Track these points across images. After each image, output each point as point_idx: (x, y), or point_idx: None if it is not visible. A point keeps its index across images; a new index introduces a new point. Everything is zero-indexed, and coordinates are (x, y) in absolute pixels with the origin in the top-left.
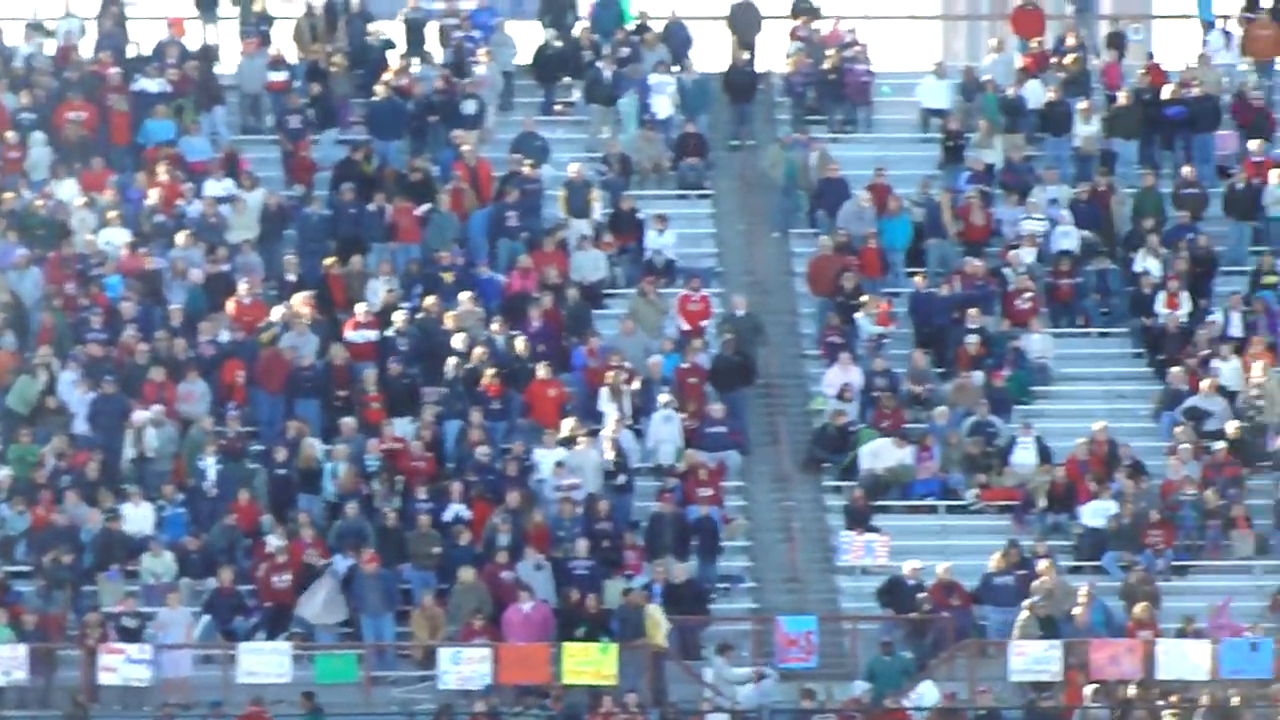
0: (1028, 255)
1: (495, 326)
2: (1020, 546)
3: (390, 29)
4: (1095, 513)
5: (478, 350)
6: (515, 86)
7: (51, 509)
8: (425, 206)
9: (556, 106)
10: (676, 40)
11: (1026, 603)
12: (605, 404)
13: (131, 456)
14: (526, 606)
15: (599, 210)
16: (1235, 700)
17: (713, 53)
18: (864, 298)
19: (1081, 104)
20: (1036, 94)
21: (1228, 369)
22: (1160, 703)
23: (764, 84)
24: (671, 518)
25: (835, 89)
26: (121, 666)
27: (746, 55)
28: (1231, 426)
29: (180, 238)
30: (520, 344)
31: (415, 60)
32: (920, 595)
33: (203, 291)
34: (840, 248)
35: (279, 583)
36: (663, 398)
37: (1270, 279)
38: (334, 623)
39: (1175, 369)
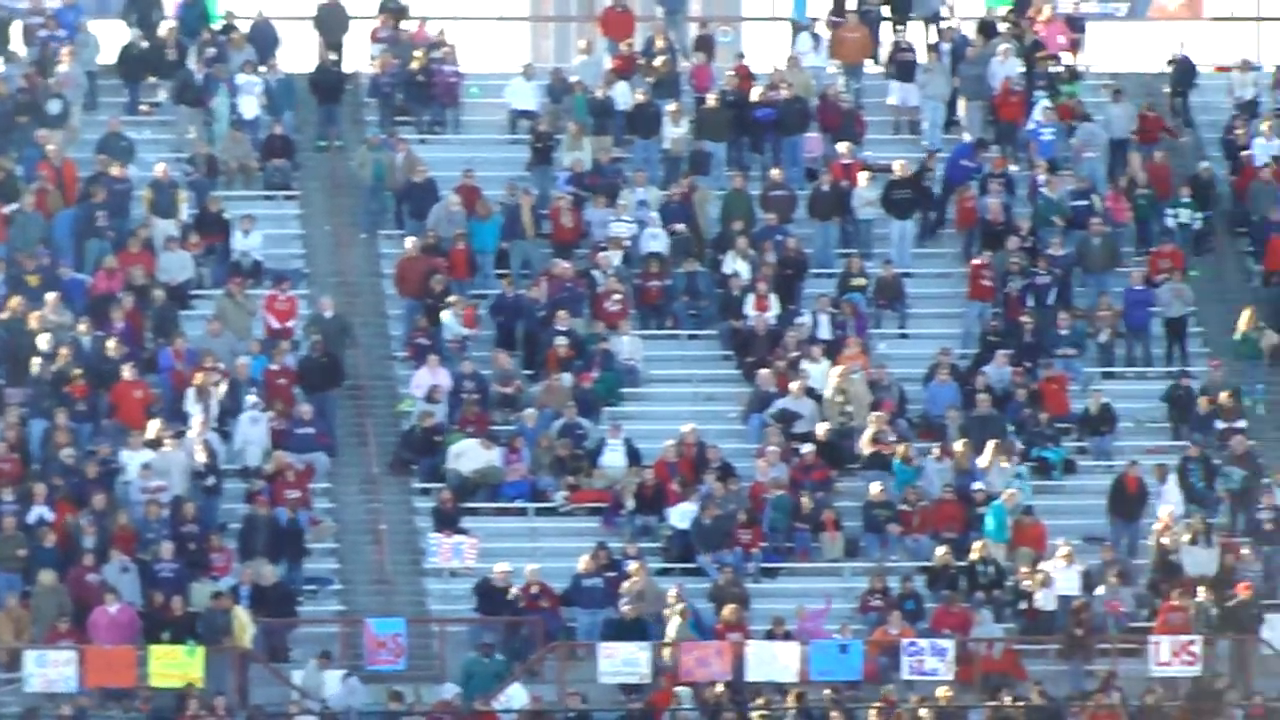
0: (616, 257)
1: (82, 327)
2: (609, 549)
3: None
4: (684, 514)
5: (63, 351)
6: (101, 86)
7: None
8: (11, 207)
9: (142, 106)
10: (263, 40)
11: (678, 608)
12: (191, 405)
13: None
14: (113, 609)
15: (185, 211)
16: (826, 694)
17: (299, 53)
18: (452, 299)
19: (670, 106)
20: (625, 96)
21: (816, 371)
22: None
23: (351, 84)
24: (264, 520)
25: (423, 90)
26: None
27: (333, 56)
28: (820, 429)
29: None
30: (112, 345)
31: None
32: (513, 597)
33: None
34: (428, 249)
35: None
36: (250, 399)
37: (859, 281)
38: None
39: (764, 371)
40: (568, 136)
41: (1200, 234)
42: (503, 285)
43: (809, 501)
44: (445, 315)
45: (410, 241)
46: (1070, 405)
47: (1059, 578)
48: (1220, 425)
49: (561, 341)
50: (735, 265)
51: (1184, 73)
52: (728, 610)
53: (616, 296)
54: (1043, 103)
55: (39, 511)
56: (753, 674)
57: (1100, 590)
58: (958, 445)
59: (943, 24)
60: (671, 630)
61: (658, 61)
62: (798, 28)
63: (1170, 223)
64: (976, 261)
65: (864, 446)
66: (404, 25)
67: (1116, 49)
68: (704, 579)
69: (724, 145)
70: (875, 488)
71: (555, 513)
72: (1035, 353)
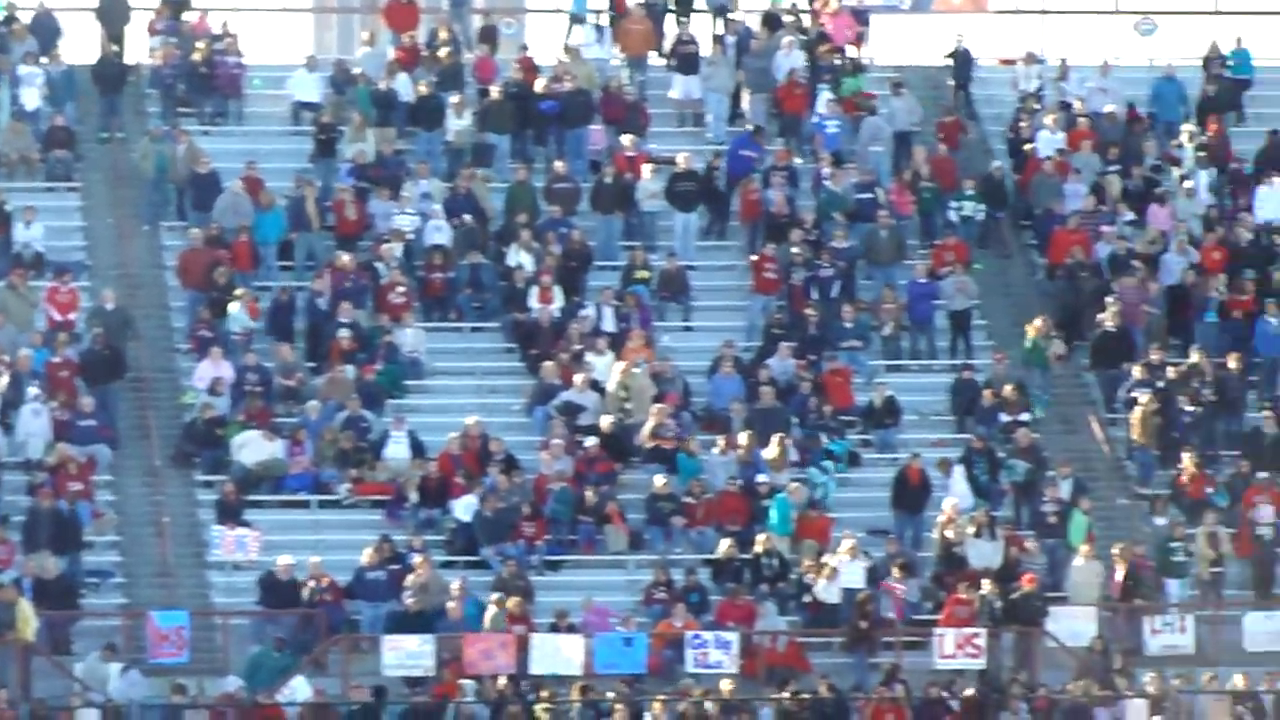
0: (399, 249)
1: None
2: (393, 541)
3: None
4: (467, 507)
5: None
6: None
7: None
8: None
9: None
10: (45, 31)
11: (494, 597)
12: None
13: None
14: None
15: None
16: (610, 695)
17: (81, 44)
18: (238, 291)
19: (454, 98)
20: (408, 88)
21: (600, 364)
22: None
23: (134, 76)
24: (47, 512)
25: (206, 81)
26: None
27: (115, 47)
28: (605, 421)
29: None
30: None
31: None
32: (302, 590)
33: None
34: (211, 241)
35: None
36: (32, 391)
37: (642, 274)
38: None
39: (548, 364)
40: (350, 128)
41: (984, 227)
42: (283, 283)
43: (593, 494)
44: (233, 307)
45: (194, 233)
46: (854, 398)
47: (843, 571)
48: (1004, 418)
49: (345, 334)
50: (519, 258)
51: (964, 64)
52: (511, 602)
53: (400, 289)
54: (825, 95)
55: None
56: (537, 667)
57: (888, 583)
58: (742, 438)
59: (729, 16)
60: (488, 620)
61: (441, 53)
62: (575, 20)
63: (953, 216)
64: (760, 254)
65: (647, 439)
66: (186, 16)
67: (901, 42)
68: (488, 572)
69: (508, 137)
70: (659, 480)
71: (339, 505)
72: (819, 345)
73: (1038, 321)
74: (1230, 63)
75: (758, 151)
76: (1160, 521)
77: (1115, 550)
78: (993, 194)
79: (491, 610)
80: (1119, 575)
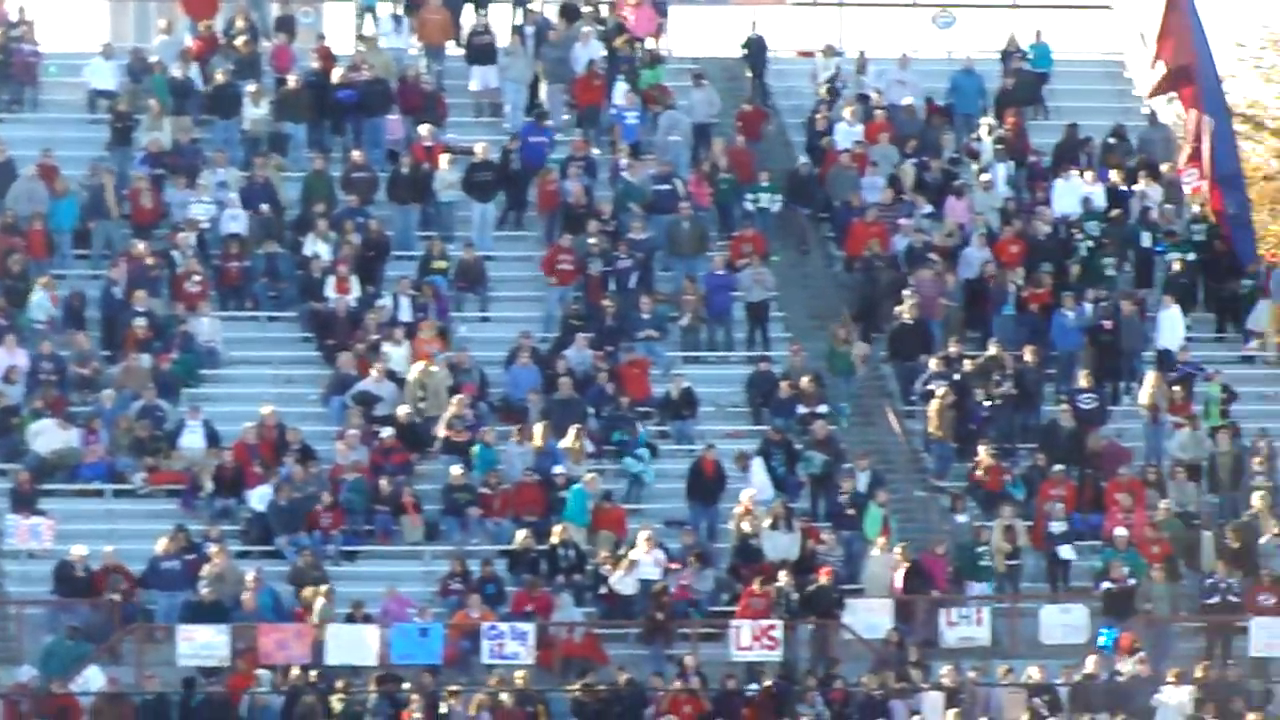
0: (195, 238)
1: None
2: (188, 531)
3: None
4: (263, 497)
5: None
6: None
7: None
8: None
9: None
10: None
11: (323, 589)
12: None
13: None
14: None
15: None
16: (405, 686)
17: None
18: (41, 280)
19: (251, 87)
20: (207, 76)
21: (397, 354)
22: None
23: None
24: None
25: (1, 68)
26: None
27: None
28: (401, 411)
29: None
30: None
31: None
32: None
33: None
34: (6, 229)
35: None
36: None
37: (440, 264)
38: None
39: (344, 354)
40: (147, 117)
41: (781, 219)
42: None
43: (388, 484)
44: (36, 295)
45: None
46: (651, 389)
47: (640, 562)
48: (801, 410)
49: (140, 323)
50: (316, 247)
51: (758, 52)
52: (307, 592)
53: (196, 278)
54: (622, 85)
55: None
56: (332, 657)
57: (681, 575)
58: (538, 429)
59: (527, 6)
60: (315, 612)
61: (239, 42)
62: (366, 9)
63: (750, 207)
64: (556, 245)
65: (444, 430)
66: None
67: (699, 33)
68: (283, 562)
69: (305, 126)
70: (455, 471)
71: (134, 494)
72: (616, 336)
73: (839, 327)
74: (1029, 56)
75: (547, 136)
76: (961, 519)
77: (897, 550)
78: (797, 190)
79: (320, 602)
80: (899, 576)
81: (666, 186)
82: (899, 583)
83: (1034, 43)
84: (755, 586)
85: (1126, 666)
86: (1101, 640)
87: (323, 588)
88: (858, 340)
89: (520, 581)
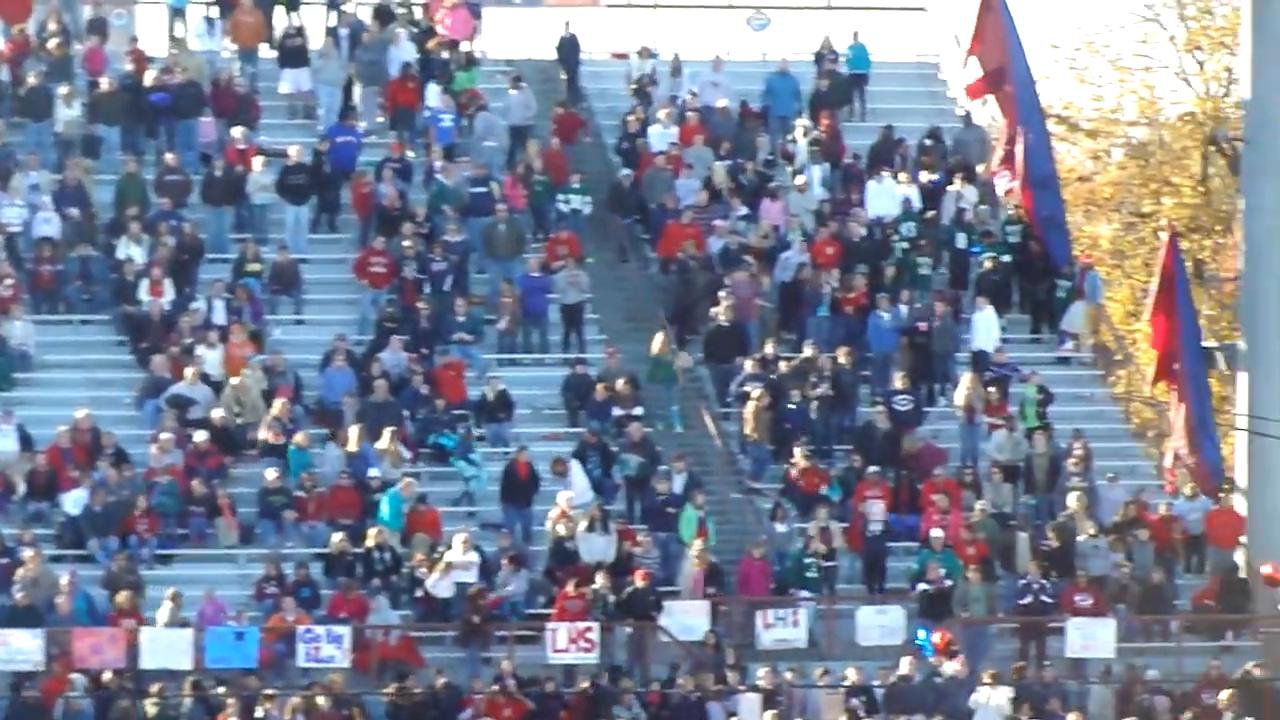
0: (6, 241)
1: None
2: (1, 534)
3: None
4: (77, 501)
5: None
6: None
7: None
8: None
9: None
10: None
11: (169, 592)
12: None
13: None
14: None
15: None
16: (220, 690)
17: None
18: None
19: (63, 89)
20: (19, 79)
21: (211, 357)
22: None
23: None
24: None
25: None
26: None
27: None
28: (216, 414)
29: None
30: None
31: None
32: None
33: None
34: None
35: None
36: None
37: (254, 267)
38: None
39: (158, 357)
40: None
41: (598, 222)
42: None
43: (202, 487)
44: None
45: None
46: (467, 392)
47: (456, 565)
48: (617, 412)
49: None
50: (129, 250)
51: (571, 52)
52: (122, 596)
53: (8, 281)
54: (435, 88)
55: None
56: (147, 661)
57: (499, 578)
58: (353, 431)
59: (341, 8)
60: (163, 615)
61: (51, 44)
62: (176, 13)
63: (563, 208)
64: (370, 247)
65: (259, 433)
66: None
67: (514, 35)
68: (98, 566)
69: (118, 129)
70: (271, 474)
71: None
72: (431, 339)
73: (659, 337)
74: (845, 58)
75: (355, 136)
76: (780, 529)
77: (694, 551)
78: (617, 200)
79: (166, 605)
80: (698, 576)
81: (483, 189)
82: (698, 585)
83: (852, 44)
84: (571, 589)
85: (945, 667)
86: (920, 640)
87: (169, 590)
88: (681, 351)
89: (336, 584)
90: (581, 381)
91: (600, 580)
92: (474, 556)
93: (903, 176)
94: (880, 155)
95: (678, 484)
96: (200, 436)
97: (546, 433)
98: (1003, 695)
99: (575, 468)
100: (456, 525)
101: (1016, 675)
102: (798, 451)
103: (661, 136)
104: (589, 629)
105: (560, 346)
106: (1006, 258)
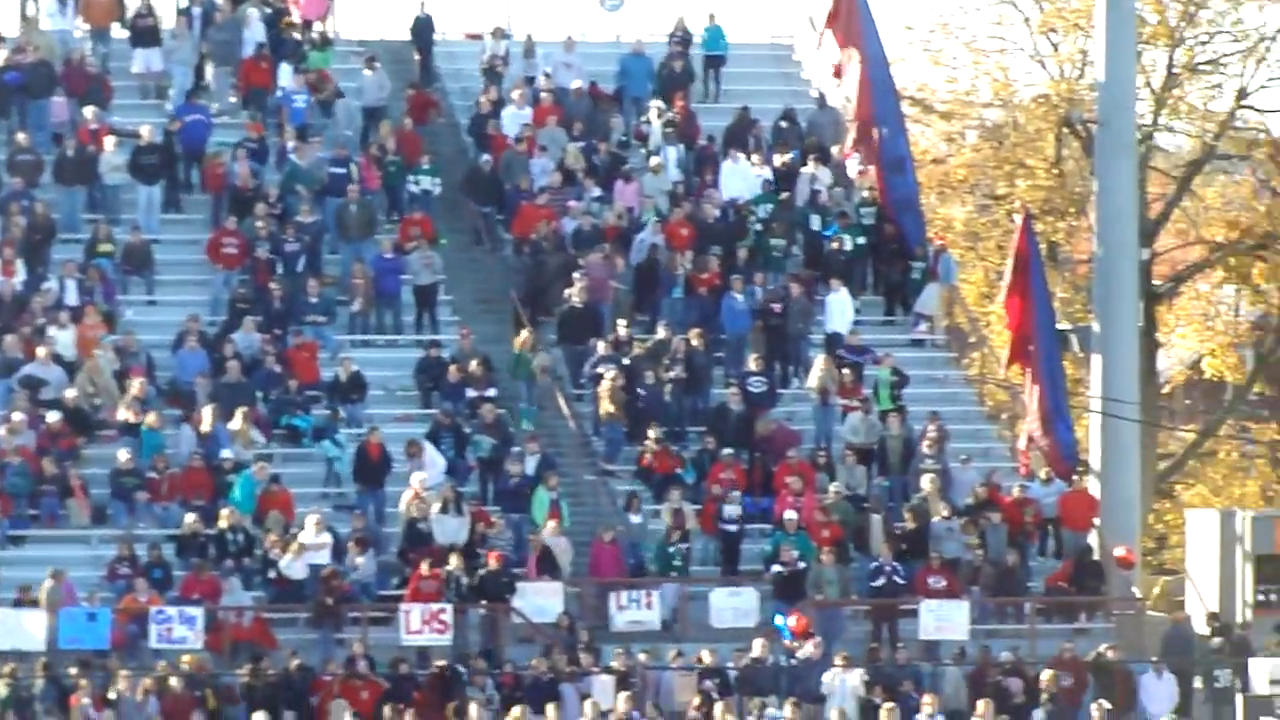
0: None
1: None
2: None
3: None
4: None
5: None
6: None
7: None
8: None
9: None
10: None
11: (51, 570)
12: None
13: None
14: None
15: None
16: (73, 670)
17: None
18: None
19: None
20: None
21: (63, 338)
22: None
23: None
24: None
25: None
26: None
27: None
28: (68, 395)
29: None
30: None
31: None
32: None
33: None
34: None
35: None
36: None
37: (106, 247)
38: None
39: (10, 337)
40: None
41: (451, 204)
42: None
43: (54, 467)
44: None
45: None
46: (320, 373)
47: (309, 546)
48: (471, 394)
49: None
50: None
51: (425, 32)
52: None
53: None
54: (287, 68)
55: None
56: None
57: (346, 560)
58: (206, 412)
59: None
60: (44, 594)
61: None
62: None
63: (413, 189)
64: (222, 228)
65: (117, 413)
66: None
67: (368, 16)
68: None
69: None
70: (123, 454)
71: None
72: (284, 320)
73: (523, 334)
74: (699, 39)
75: (204, 115)
76: (635, 520)
77: (531, 536)
78: (476, 186)
79: (47, 584)
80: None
81: (341, 170)
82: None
83: (708, 25)
84: (424, 570)
85: (801, 650)
86: (777, 624)
87: (50, 569)
88: (542, 351)
89: (188, 565)
90: (435, 363)
91: (454, 562)
92: (327, 538)
93: (757, 158)
94: (735, 137)
95: (530, 466)
96: (53, 417)
97: (400, 414)
98: (856, 677)
99: (429, 448)
100: (309, 506)
101: (870, 657)
102: (651, 434)
103: (515, 118)
104: (442, 610)
105: (414, 328)
106: (861, 239)
